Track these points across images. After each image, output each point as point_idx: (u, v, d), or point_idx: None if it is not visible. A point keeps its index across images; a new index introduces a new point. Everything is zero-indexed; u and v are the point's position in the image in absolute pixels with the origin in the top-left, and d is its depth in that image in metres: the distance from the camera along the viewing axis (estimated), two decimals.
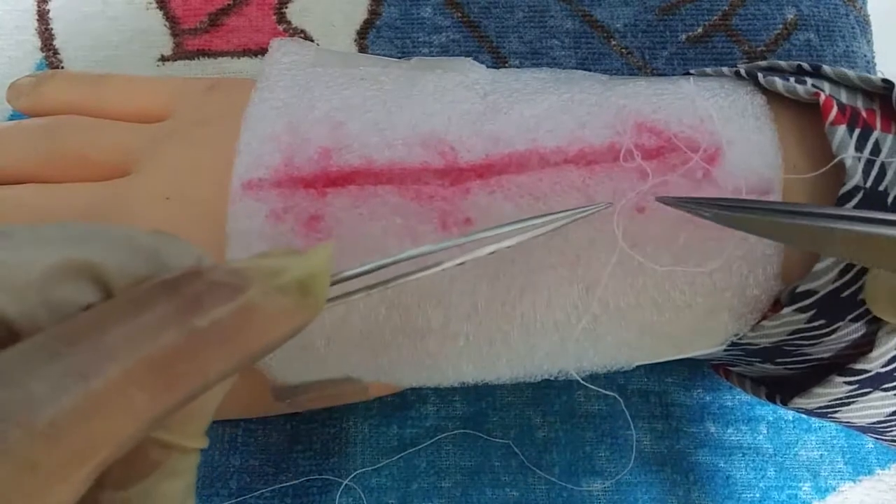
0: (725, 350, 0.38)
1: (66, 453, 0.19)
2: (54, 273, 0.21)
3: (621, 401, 0.47)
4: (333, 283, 0.26)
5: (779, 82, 0.37)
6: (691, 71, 0.42)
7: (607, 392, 0.47)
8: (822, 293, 0.33)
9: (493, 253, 0.31)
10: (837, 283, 0.33)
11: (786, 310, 0.34)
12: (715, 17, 0.54)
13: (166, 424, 0.24)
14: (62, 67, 0.52)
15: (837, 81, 0.37)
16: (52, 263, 0.21)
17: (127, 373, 0.20)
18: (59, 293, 0.21)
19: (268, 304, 0.22)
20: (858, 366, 0.34)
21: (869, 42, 0.54)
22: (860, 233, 0.26)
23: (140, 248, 0.23)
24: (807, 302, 0.34)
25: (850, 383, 0.35)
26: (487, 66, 0.42)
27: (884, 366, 0.34)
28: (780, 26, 0.54)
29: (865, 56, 0.54)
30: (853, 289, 0.33)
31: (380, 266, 0.28)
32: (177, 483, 0.25)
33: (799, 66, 0.39)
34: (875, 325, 0.34)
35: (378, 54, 0.53)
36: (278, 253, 0.24)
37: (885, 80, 0.35)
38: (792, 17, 0.54)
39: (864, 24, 0.55)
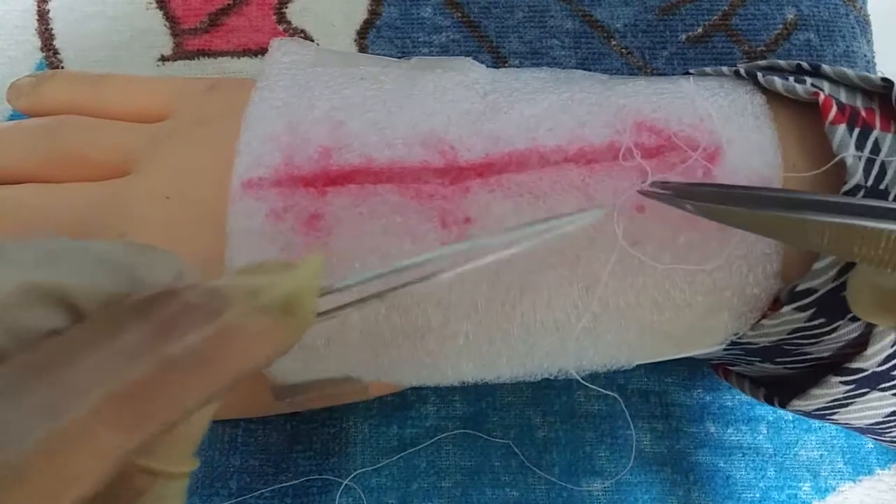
0: (725, 349, 0.38)
1: (31, 496, 0.18)
2: (18, 298, 0.20)
3: (621, 401, 0.47)
4: (323, 296, 0.25)
5: (778, 82, 0.37)
6: (691, 71, 0.42)
7: (607, 392, 0.47)
8: (821, 291, 0.33)
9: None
10: (837, 282, 0.33)
11: (785, 308, 0.34)
12: (715, 17, 0.54)
13: (150, 450, 0.23)
14: (62, 67, 0.52)
15: (837, 81, 0.37)
16: (14, 287, 0.20)
17: (94, 409, 0.19)
18: (25, 319, 0.20)
19: (248, 325, 0.21)
20: (854, 365, 0.34)
21: (869, 42, 0.55)
22: (838, 224, 0.26)
23: (113, 264, 0.22)
24: (806, 300, 0.34)
25: (846, 383, 0.35)
26: (487, 66, 0.42)
27: (880, 364, 0.34)
28: (780, 26, 0.54)
29: (865, 56, 0.54)
30: None
31: (373, 277, 0.27)
32: None
33: (798, 65, 0.39)
34: (872, 325, 0.34)
35: (378, 54, 0.53)
36: (265, 267, 0.23)
37: (884, 79, 0.35)
38: (792, 17, 0.54)
39: (864, 24, 0.55)
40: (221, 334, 0.21)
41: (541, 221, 0.32)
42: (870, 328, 0.34)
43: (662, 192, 0.33)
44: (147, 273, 0.23)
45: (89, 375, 0.19)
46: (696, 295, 0.36)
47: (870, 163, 0.33)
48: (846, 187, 0.33)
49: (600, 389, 0.47)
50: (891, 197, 0.33)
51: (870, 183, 0.33)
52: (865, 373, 0.34)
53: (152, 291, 0.22)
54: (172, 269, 0.24)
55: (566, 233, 0.32)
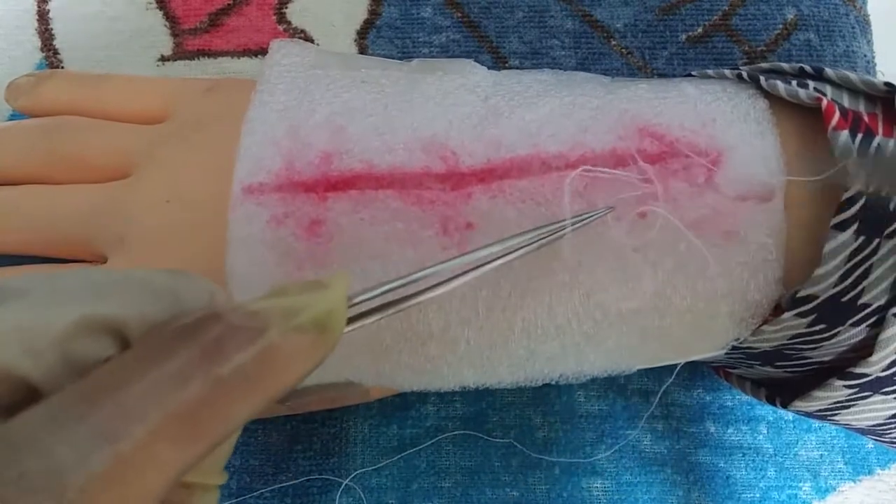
0: (726, 353, 0.38)
1: None
2: (73, 331, 0.21)
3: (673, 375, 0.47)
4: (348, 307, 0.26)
5: (781, 86, 0.37)
6: (693, 73, 0.42)
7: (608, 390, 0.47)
8: (822, 298, 0.33)
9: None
10: (837, 288, 0.33)
11: (786, 314, 0.34)
12: (715, 17, 0.54)
13: None
14: (62, 67, 0.52)
15: (840, 84, 0.37)
16: (71, 322, 0.21)
17: (153, 429, 0.20)
18: (79, 350, 0.21)
19: (287, 344, 0.23)
20: (858, 370, 0.34)
21: (869, 42, 0.54)
22: None
23: (158, 292, 0.23)
24: (807, 307, 0.34)
25: (849, 387, 0.35)
26: (488, 67, 0.41)
27: (884, 370, 0.34)
28: (780, 26, 0.54)
29: (865, 56, 0.54)
30: (853, 293, 0.33)
31: (391, 288, 0.28)
32: None
33: (801, 68, 0.39)
34: (875, 330, 0.34)
35: (378, 54, 0.52)
36: (294, 289, 0.24)
37: (887, 84, 0.35)
38: (792, 17, 0.54)
39: (864, 24, 0.55)
40: (264, 354, 0.22)
41: (541, 227, 0.32)
42: (870, 334, 0.34)
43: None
44: (187, 297, 0.24)
45: (145, 398, 0.20)
46: (698, 301, 0.36)
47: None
48: (848, 194, 0.33)
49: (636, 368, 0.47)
50: (892, 204, 0.33)
51: (872, 189, 0.33)
52: (869, 377, 0.34)
53: (197, 316, 0.23)
54: (207, 290, 0.25)
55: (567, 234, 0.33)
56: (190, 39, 0.53)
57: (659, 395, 0.47)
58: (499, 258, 0.31)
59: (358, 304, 0.27)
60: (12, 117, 0.49)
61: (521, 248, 0.32)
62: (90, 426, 0.19)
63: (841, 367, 0.35)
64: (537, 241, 0.32)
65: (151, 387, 0.20)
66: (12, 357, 0.20)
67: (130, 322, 0.22)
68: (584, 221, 0.34)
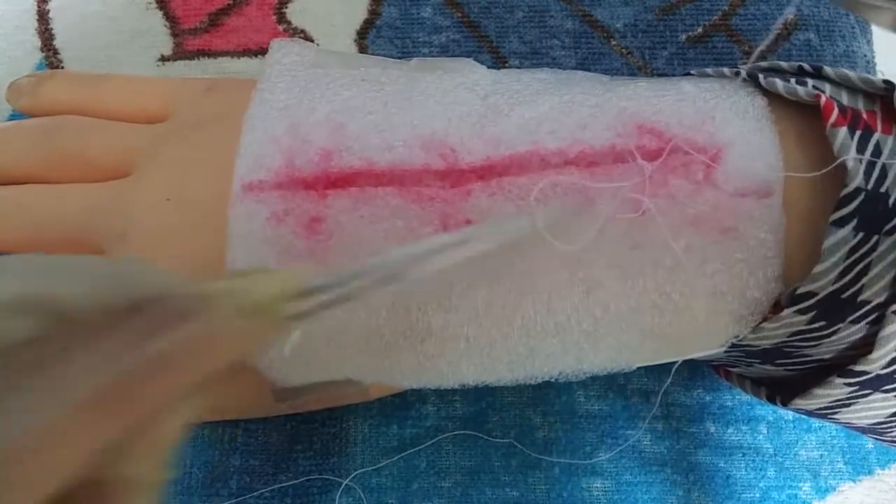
0: (726, 351, 0.38)
1: (11, 488, 0.19)
2: (8, 308, 0.21)
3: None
4: (305, 297, 0.26)
5: (779, 83, 0.37)
6: (692, 71, 0.42)
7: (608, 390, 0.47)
8: (821, 294, 0.33)
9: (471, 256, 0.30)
10: (837, 285, 0.33)
11: (786, 311, 0.34)
12: (715, 17, 0.54)
13: (125, 458, 0.24)
14: (62, 67, 0.52)
15: (838, 82, 0.37)
16: (6, 299, 0.21)
17: (79, 401, 0.20)
18: (12, 327, 0.21)
19: (222, 325, 0.23)
20: (859, 367, 0.34)
21: (869, 42, 0.54)
22: None
23: (102, 276, 0.23)
24: (807, 304, 0.34)
25: (850, 385, 0.35)
26: (488, 67, 0.42)
27: (884, 367, 0.34)
28: (780, 26, 0.54)
29: (865, 56, 0.54)
30: (852, 290, 0.33)
31: (349, 277, 0.27)
32: None
33: (800, 66, 0.39)
34: (875, 327, 0.34)
35: (378, 54, 0.53)
36: (252, 273, 0.25)
37: (885, 82, 0.35)
38: (792, 17, 0.54)
39: (864, 24, 0.55)
40: (197, 334, 0.22)
41: (522, 215, 0.32)
42: (871, 332, 0.34)
43: None
44: (136, 282, 0.24)
45: (74, 372, 0.20)
46: (697, 298, 0.36)
47: (870, 165, 0.33)
48: (846, 190, 0.33)
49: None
50: (891, 200, 0.33)
51: (870, 186, 0.33)
52: (869, 375, 0.34)
53: (139, 297, 0.23)
54: (161, 278, 0.25)
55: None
56: (190, 39, 0.53)
57: (660, 396, 0.47)
58: (481, 243, 0.31)
59: (318, 292, 0.26)
60: (12, 117, 0.49)
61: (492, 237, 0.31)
62: (9, 404, 0.19)
63: (841, 365, 0.35)
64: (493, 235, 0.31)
65: (82, 362, 0.20)
66: None
67: (70, 302, 0.22)
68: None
